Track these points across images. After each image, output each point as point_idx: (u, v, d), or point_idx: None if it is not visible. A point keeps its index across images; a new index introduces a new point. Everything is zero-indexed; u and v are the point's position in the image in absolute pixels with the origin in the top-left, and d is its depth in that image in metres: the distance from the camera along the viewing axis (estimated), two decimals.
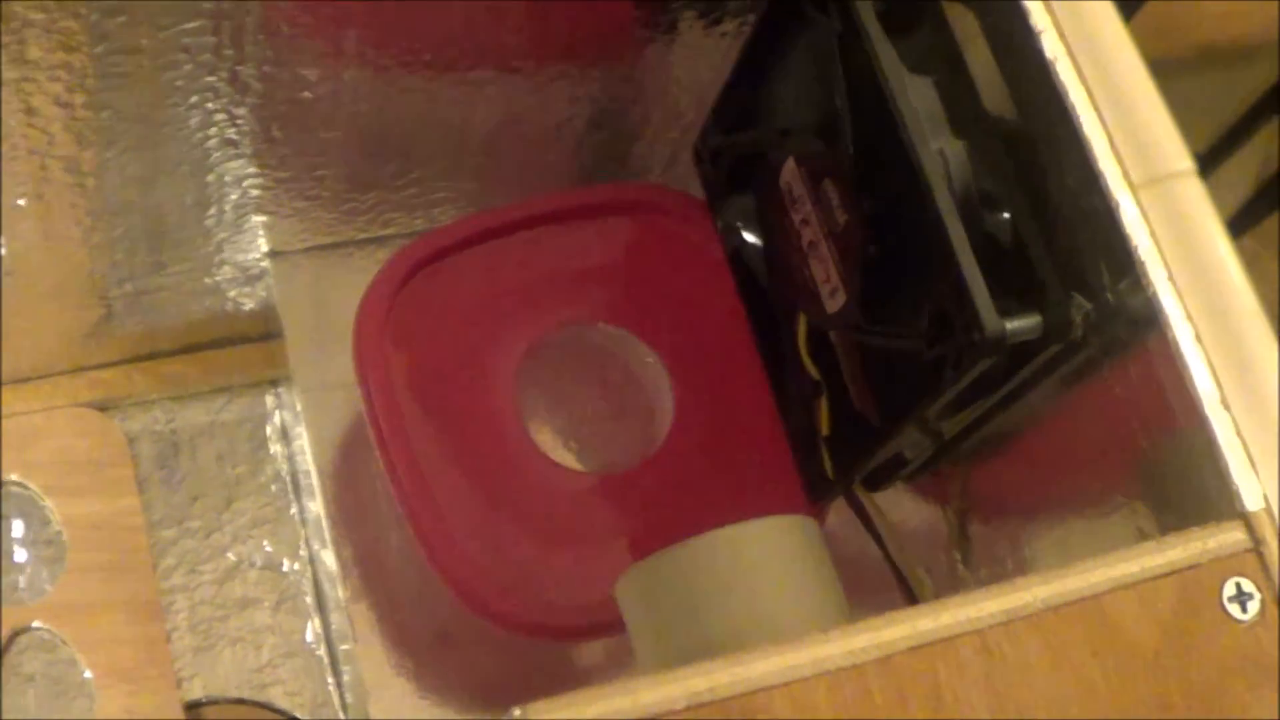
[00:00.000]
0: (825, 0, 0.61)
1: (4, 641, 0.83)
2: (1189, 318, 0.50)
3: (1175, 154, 0.52)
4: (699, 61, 0.76)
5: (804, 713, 0.43)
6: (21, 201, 0.72)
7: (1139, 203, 0.51)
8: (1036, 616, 0.46)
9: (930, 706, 0.44)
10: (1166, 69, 0.56)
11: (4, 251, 0.75)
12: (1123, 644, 0.46)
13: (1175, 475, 0.53)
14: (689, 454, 0.73)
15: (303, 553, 0.88)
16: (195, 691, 0.85)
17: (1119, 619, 0.46)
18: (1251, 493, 0.48)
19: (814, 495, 0.69)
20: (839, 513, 0.71)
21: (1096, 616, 0.46)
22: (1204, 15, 1.02)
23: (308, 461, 0.84)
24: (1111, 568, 0.47)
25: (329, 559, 0.83)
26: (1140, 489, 0.56)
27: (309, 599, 0.88)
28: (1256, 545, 0.47)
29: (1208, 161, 0.95)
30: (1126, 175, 0.52)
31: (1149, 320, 0.51)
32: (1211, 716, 0.46)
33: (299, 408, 0.81)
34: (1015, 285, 0.55)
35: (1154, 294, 0.50)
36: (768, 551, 0.60)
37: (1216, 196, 0.52)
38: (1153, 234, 0.51)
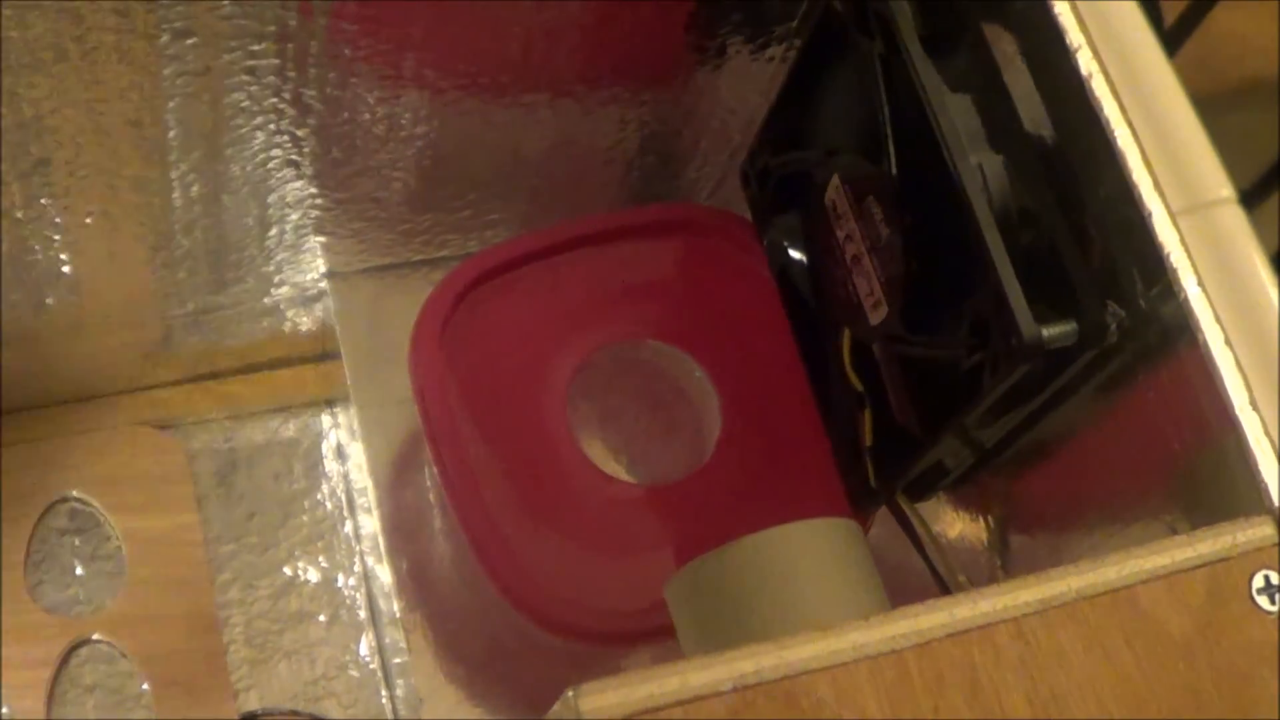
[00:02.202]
0: (868, 24, 0.62)
1: (65, 653, 0.85)
2: (1218, 321, 0.51)
3: (1208, 167, 0.54)
4: (746, 86, 0.78)
5: (846, 695, 0.44)
6: (89, 220, 0.74)
7: (1169, 211, 0.53)
8: (1071, 606, 0.47)
9: (967, 690, 0.45)
10: (1212, 105, 0.57)
11: (69, 269, 0.77)
12: (1154, 633, 0.47)
13: (1208, 479, 0.54)
14: (736, 466, 0.75)
15: (357, 568, 0.90)
16: (251, 703, 0.87)
17: (1151, 609, 0.47)
18: None
19: (858, 505, 0.70)
20: (882, 524, 0.73)
21: (1129, 606, 0.47)
22: (1247, 49, 1.03)
23: (363, 479, 0.86)
24: (1143, 560, 0.48)
25: (383, 574, 0.85)
26: (1175, 495, 0.58)
27: (363, 613, 0.89)
28: None
29: (1252, 197, 0.96)
30: (1158, 185, 0.53)
31: (1181, 327, 0.52)
32: (1240, 703, 0.47)
33: (355, 425, 0.82)
34: (1051, 294, 0.56)
35: (1184, 299, 0.52)
36: (811, 552, 0.61)
37: (1261, 233, 0.53)
38: (1183, 241, 0.52)
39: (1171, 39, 0.96)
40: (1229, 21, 1.02)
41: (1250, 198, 0.93)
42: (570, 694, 0.43)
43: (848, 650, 0.45)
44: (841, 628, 0.45)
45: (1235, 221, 0.53)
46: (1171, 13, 0.96)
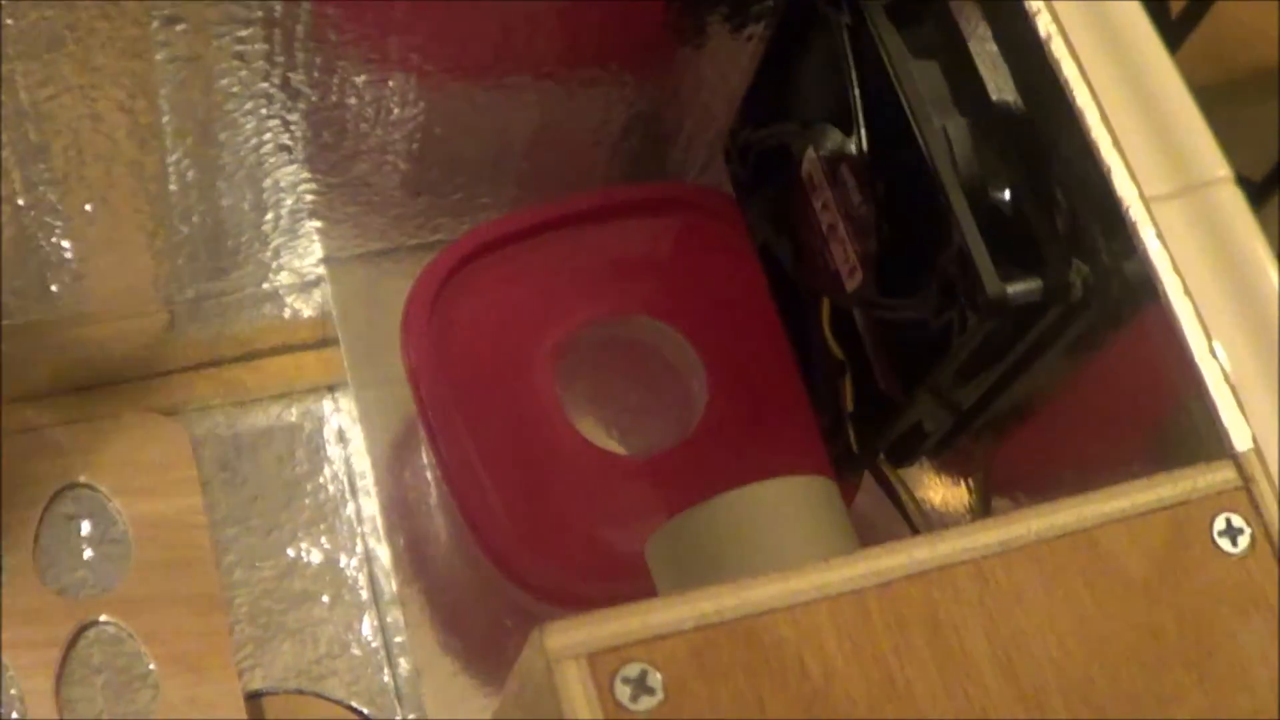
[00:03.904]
0: None
1: (73, 634, 0.86)
2: (1176, 270, 0.52)
3: (1185, 114, 0.55)
4: (728, 65, 0.79)
5: (806, 634, 0.45)
6: (89, 207, 0.76)
7: (1128, 166, 0.54)
8: (1031, 547, 0.48)
9: (927, 629, 0.46)
10: (1219, 96, 0.59)
11: (71, 255, 0.79)
12: (1115, 574, 0.48)
13: (1178, 434, 0.55)
14: (723, 435, 0.76)
15: (359, 549, 0.91)
16: (256, 682, 0.88)
17: (1111, 550, 0.48)
18: (1240, 434, 0.51)
19: (841, 471, 0.72)
20: (870, 494, 0.74)
21: (1089, 548, 0.48)
22: (1257, 37, 1.03)
23: (364, 462, 0.87)
24: (1103, 503, 0.49)
25: (384, 554, 0.86)
26: (1149, 452, 0.58)
27: (365, 593, 0.91)
28: (1246, 483, 0.50)
29: (1263, 190, 0.96)
30: (1118, 143, 0.54)
31: (1143, 281, 0.53)
32: (1202, 643, 0.48)
33: (354, 407, 0.84)
34: (1017, 253, 0.58)
35: (1144, 251, 0.53)
36: (785, 507, 0.62)
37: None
38: (1141, 195, 0.53)
39: (1177, 30, 0.97)
40: (1236, 11, 1.02)
41: (1262, 190, 0.93)
42: (536, 632, 0.44)
43: (808, 590, 0.46)
44: (802, 569, 0.46)
45: (1219, 171, 0.54)
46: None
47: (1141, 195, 0.54)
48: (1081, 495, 0.49)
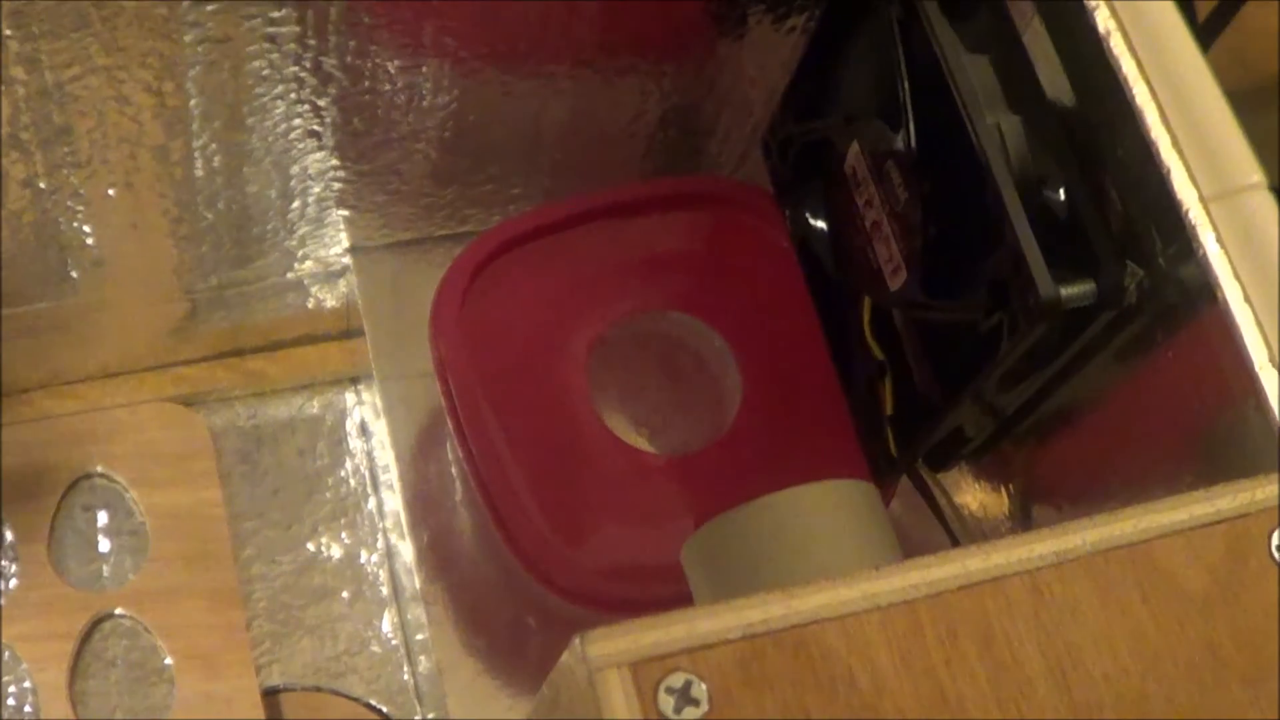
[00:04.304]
0: None
1: (88, 627, 0.85)
2: (1237, 277, 0.51)
3: (1221, 120, 0.53)
4: (769, 58, 0.77)
5: (856, 645, 0.44)
6: (112, 191, 0.74)
7: (1188, 169, 0.52)
8: (1086, 560, 0.46)
9: (980, 641, 0.45)
10: (1249, 100, 0.57)
11: (92, 241, 0.77)
12: (1171, 588, 0.47)
13: (1230, 444, 0.54)
14: (757, 435, 0.75)
15: (380, 545, 0.90)
16: (273, 678, 0.87)
17: (1168, 564, 0.47)
18: None
19: (879, 474, 0.70)
20: (904, 499, 0.73)
21: (1146, 561, 0.47)
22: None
23: (386, 456, 0.86)
24: (1161, 515, 0.47)
25: (406, 550, 0.85)
26: (1198, 461, 0.57)
27: (385, 590, 0.89)
28: None
29: None
30: (1176, 143, 0.53)
31: (1200, 285, 0.52)
32: (1259, 659, 0.47)
33: (378, 401, 0.82)
34: (1070, 255, 0.56)
35: (1203, 255, 0.52)
36: (824, 512, 0.61)
37: None
38: (1201, 198, 0.52)
39: (1203, 34, 0.95)
40: (1263, 17, 1.01)
41: None
42: (577, 640, 0.43)
43: (858, 600, 0.45)
44: (852, 577, 0.45)
45: (1253, 177, 0.53)
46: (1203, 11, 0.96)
47: (1201, 198, 0.52)
48: (1138, 506, 0.48)
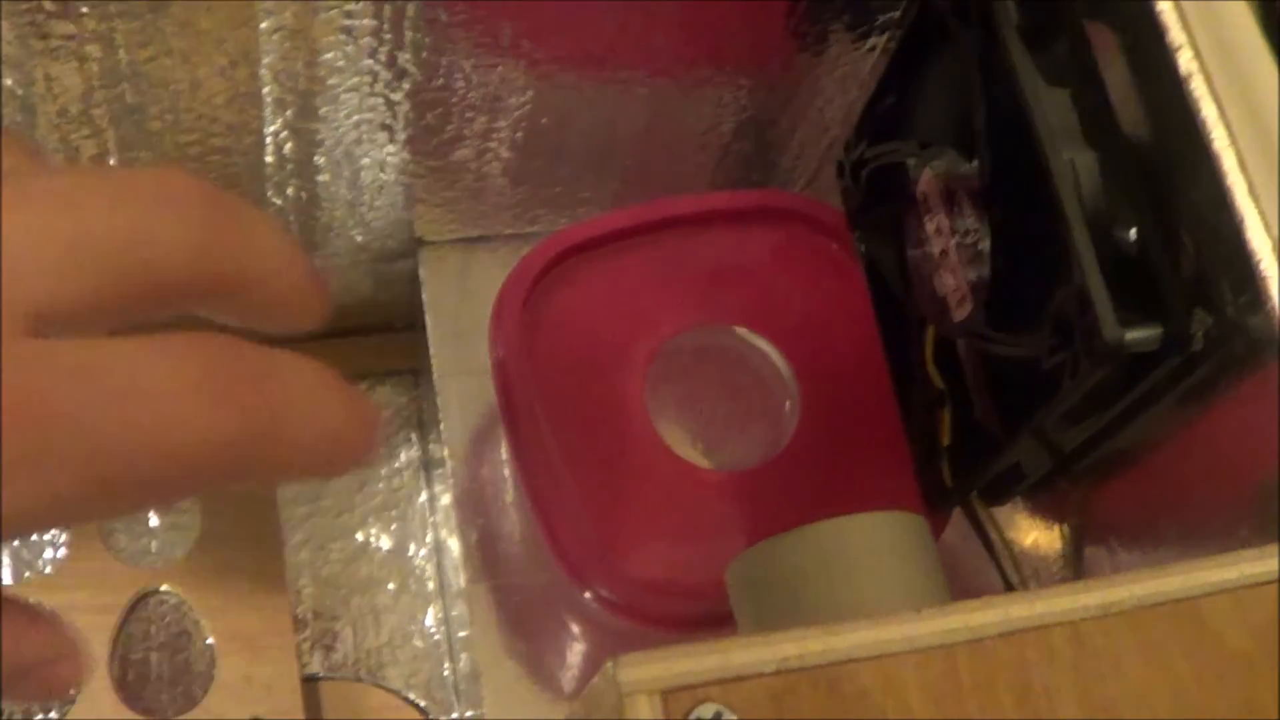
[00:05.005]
0: (967, 13, 0.62)
1: (132, 601, 0.85)
2: None
3: None
4: (846, 76, 0.77)
5: (890, 686, 0.43)
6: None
7: (1263, 218, 0.51)
8: (1131, 613, 0.46)
9: (1018, 691, 0.44)
10: None
11: None
12: (1216, 646, 0.46)
13: None
14: (812, 457, 0.74)
15: (429, 539, 0.90)
16: (314, 666, 0.87)
17: (1214, 622, 0.46)
18: None
19: (932, 504, 0.69)
20: (954, 529, 0.72)
21: (1191, 617, 0.46)
22: None
23: (441, 450, 0.86)
24: (1210, 572, 0.47)
25: (454, 546, 0.85)
26: (1254, 513, 0.56)
27: (431, 584, 0.89)
28: None
29: None
30: (1253, 191, 0.52)
31: (1268, 338, 0.51)
32: None
33: (436, 394, 0.82)
34: (1138, 297, 0.55)
35: (1272, 308, 0.51)
36: (872, 544, 0.60)
37: None
38: (1275, 248, 0.51)
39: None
40: None
41: None
42: (610, 664, 0.42)
43: (897, 641, 0.44)
44: (892, 618, 0.44)
45: None
46: None
47: (1275, 248, 0.51)
48: (1187, 562, 0.47)
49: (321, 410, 0.45)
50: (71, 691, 0.81)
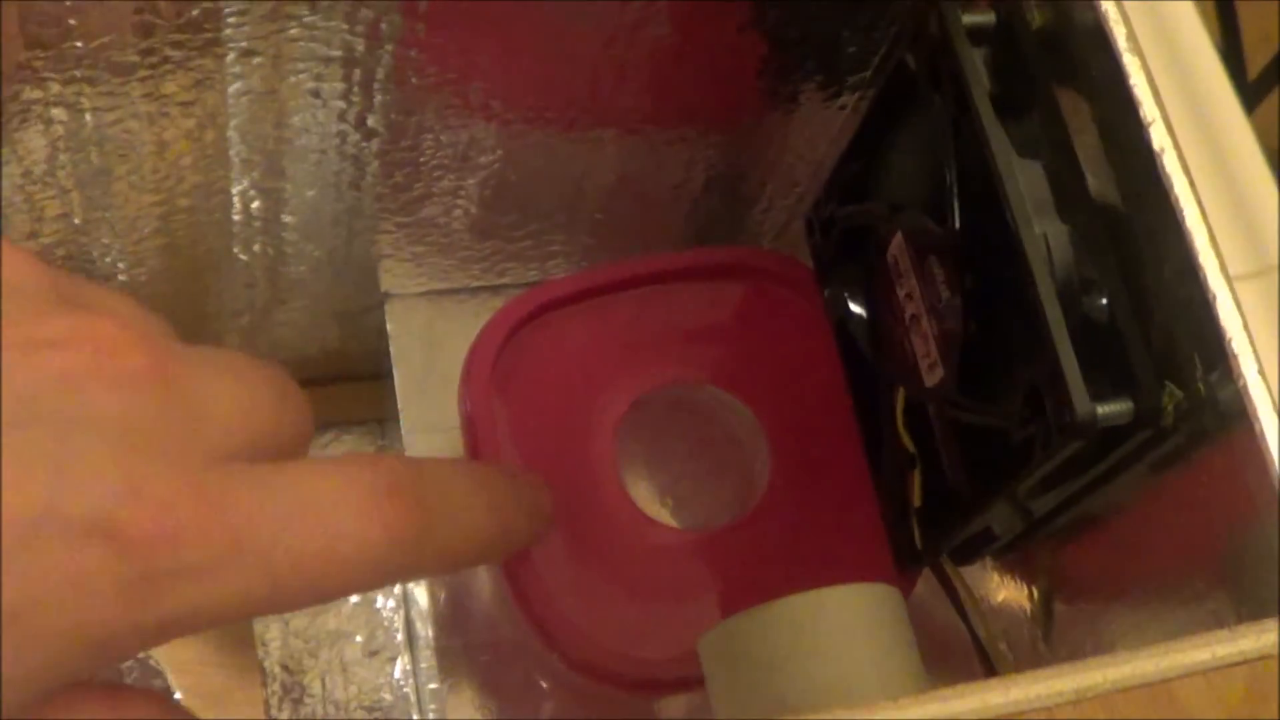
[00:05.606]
0: (940, 80, 0.62)
1: None
2: (1277, 409, 0.50)
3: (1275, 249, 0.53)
4: (816, 133, 0.77)
5: None
6: (147, 229, 0.74)
7: (1235, 296, 0.52)
8: (1106, 697, 0.46)
9: None
10: None
11: (125, 278, 0.77)
12: None
13: (1255, 566, 0.53)
14: (782, 517, 0.74)
15: (396, 591, 0.90)
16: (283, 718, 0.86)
17: (1187, 703, 0.46)
18: None
19: (902, 565, 0.70)
20: (925, 583, 0.72)
21: (1165, 700, 0.46)
22: None
23: None
24: (1183, 654, 0.47)
25: (422, 598, 0.85)
26: (1222, 580, 0.56)
27: (399, 636, 0.89)
28: None
29: None
30: (1224, 269, 0.52)
31: (1237, 412, 0.51)
32: None
33: (402, 447, 0.82)
34: (1109, 370, 0.55)
35: (1243, 385, 0.51)
36: (847, 617, 0.60)
37: None
38: (1246, 327, 0.51)
39: (1254, 92, 0.94)
40: None
41: None
42: None
43: None
44: (868, 707, 0.44)
45: None
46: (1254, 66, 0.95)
47: (1246, 327, 0.51)
48: (1162, 645, 0.47)
49: (471, 518, 0.56)
50: None
